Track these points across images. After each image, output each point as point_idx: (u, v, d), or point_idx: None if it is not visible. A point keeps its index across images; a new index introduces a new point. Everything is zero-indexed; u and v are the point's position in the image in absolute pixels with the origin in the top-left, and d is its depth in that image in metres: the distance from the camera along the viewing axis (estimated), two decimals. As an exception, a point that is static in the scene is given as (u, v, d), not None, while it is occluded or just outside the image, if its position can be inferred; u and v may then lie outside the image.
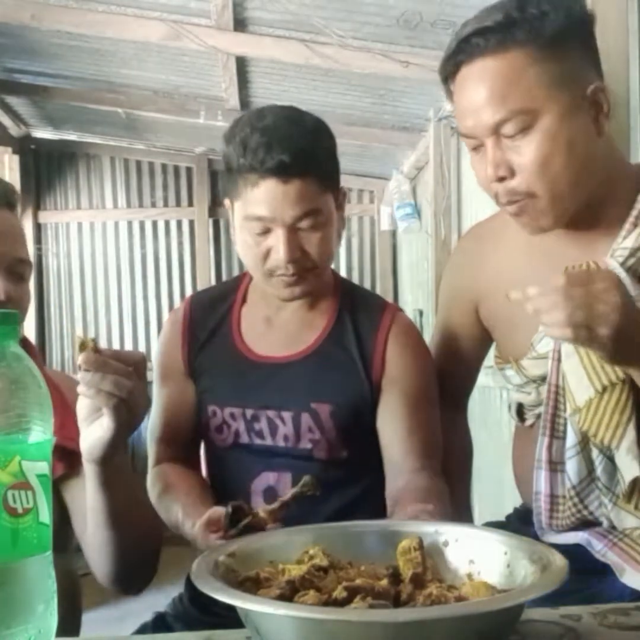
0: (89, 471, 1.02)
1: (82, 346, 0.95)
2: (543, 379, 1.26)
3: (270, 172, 1.25)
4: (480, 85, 1.14)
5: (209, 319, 1.45)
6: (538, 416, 1.30)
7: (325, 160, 1.32)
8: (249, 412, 1.37)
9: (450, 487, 1.42)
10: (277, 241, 1.28)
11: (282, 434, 1.36)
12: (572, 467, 1.21)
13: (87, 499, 1.06)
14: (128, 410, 0.96)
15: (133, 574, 1.15)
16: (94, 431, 0.98)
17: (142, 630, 1.35)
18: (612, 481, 1.18)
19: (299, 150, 1.25)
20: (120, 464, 1.03)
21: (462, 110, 1.19)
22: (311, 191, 1.28)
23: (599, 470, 1.19)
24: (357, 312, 1.41)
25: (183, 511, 1.26)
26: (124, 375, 0.95)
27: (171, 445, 1.44)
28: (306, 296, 1.38)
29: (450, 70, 1.20)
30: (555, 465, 1.23)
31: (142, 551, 1.13)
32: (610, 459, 1.18)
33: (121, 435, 0.98)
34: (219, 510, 1.09)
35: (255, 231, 1.30)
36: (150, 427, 1.47)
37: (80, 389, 0.95)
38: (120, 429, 0.97)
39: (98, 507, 1.04)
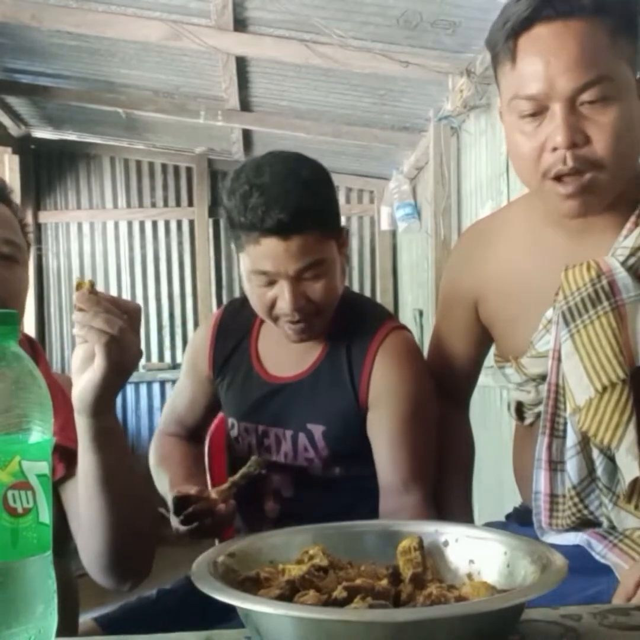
0: (80, 427, 1.01)
1: (79, 286, 0.96)
2: (543, 377, 1.26)
3: (270, 232, 1.27)
4: (567, 46, 1.08)
5: (235, 333, 1.54)
6: (538, 415, 1.30)
7: (324, 211, 1.34)
8: (261, 428, 1.47)
9: (450, 488, 1.43)
10: (282, 291, 1.32)
11: (283, 451, 1.44)
12: (572, 466, 1.20)
13: (79, 465, 1.04)
14: (119, 352, 0.96)
15: (126, 561, 1.12)
16: (86, 376, 0.98)
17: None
18: (613, 481, 1.18)
19: (297, 207, 1.27)
20: (110, 424, 1.02)
21: (532, 71, 1.10)
22: (312, 244, 1.30)
23: (600, 470, 1.19)
24: (352, 333, 1.43)
25: (171, 484, 1.39)
26: (116, 316, 0.96)
27: (181, 421, 1.60)
28: (314, 338, 1.41)
29: (518, 27, 1.11)
30: (555, 465, 1.23)
31: (135, 532, 1.10)
32: (611, 459, 1.17)
33: (112, 378, 0.97)
34: (184, 491, 1.25)
35: (260, 283, 1.34)
36: (171, 397, 1.65)
37: (74, 329, 0.96)
38: (111, 370, 0.96)
39: (89, 470, 1.03)
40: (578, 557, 1.16)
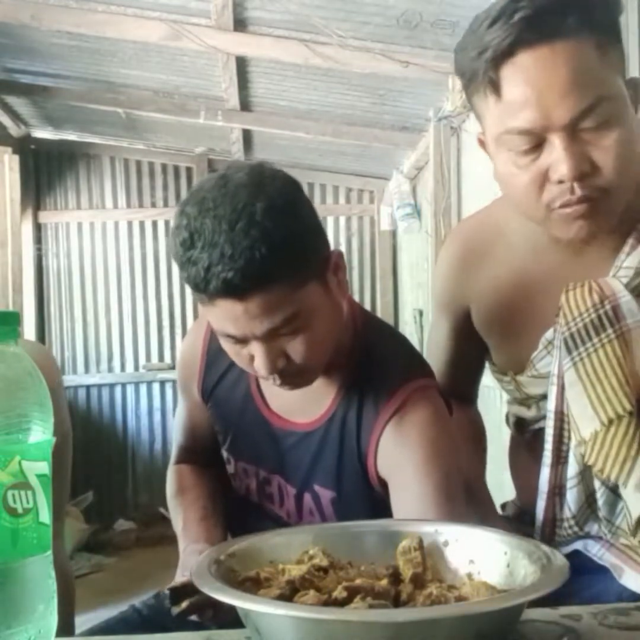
0: None
1: None
2: (543, 396, 1.21)
3: (220, 294, 1.01)
4: (558, 72, 0.98)
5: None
6: (537, 430, 1.25)
7: (292, 252, 1.02)
8: (262, 474, 1.29)
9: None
10: (256, 352, 1.08)
11: (286, 508, 1.27)
12: (572, 496, 1.17)
13: None
14: None
15: None
16: None
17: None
18: (613, 513, 1.15)
19: (250, 261, 0.98)
20: None
21: (522, 104, 1.00)
22: (280, 297, 1.02)
23: (601, 502, 1.15)
24: (367, 389, 1.18)
25: (183, 526, 1.25)
26: None
27: (190, 450, 1.41)
28: (310, 384, 1.17)
29: (500, 56, 1.00)
30: (557, 490, 1.20)
31: None
32: (612, 491, 1.14)
33: None
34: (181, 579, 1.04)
35: (231, 342, 1.10)
36: (174, 428, 1.45)
37: None
38: None
39: None
40: (577, 558, 1.16)
